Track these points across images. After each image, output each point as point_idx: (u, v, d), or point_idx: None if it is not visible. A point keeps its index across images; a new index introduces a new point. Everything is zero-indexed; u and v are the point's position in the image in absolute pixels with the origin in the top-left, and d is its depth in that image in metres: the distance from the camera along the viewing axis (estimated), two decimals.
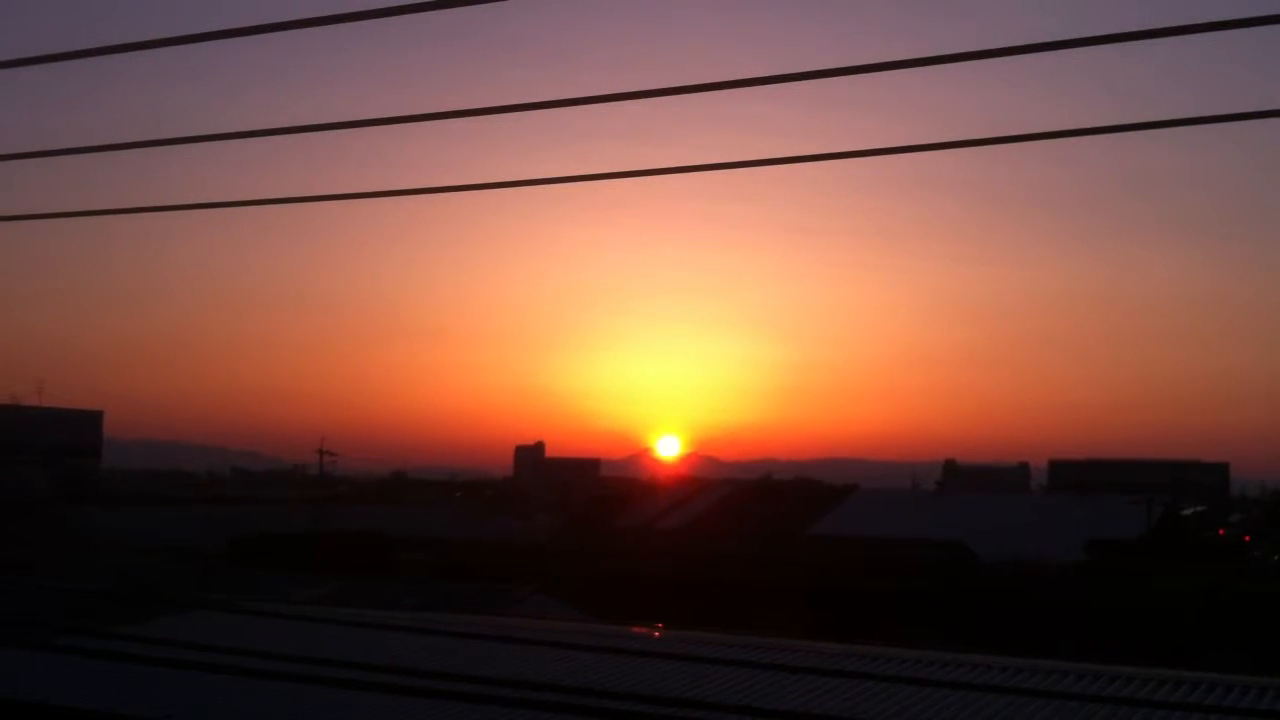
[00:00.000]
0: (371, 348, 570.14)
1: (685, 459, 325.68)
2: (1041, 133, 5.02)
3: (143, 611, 19.74)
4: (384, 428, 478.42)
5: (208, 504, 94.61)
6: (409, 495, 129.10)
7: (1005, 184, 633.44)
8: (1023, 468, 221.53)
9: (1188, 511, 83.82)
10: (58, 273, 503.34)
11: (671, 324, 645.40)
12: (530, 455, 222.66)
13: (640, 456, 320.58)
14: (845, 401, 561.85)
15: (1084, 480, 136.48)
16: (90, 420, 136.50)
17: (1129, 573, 42.41)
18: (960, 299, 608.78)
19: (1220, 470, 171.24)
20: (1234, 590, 38.47)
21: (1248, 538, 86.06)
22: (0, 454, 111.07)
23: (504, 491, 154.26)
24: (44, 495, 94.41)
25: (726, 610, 36.29)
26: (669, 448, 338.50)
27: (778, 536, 60.00)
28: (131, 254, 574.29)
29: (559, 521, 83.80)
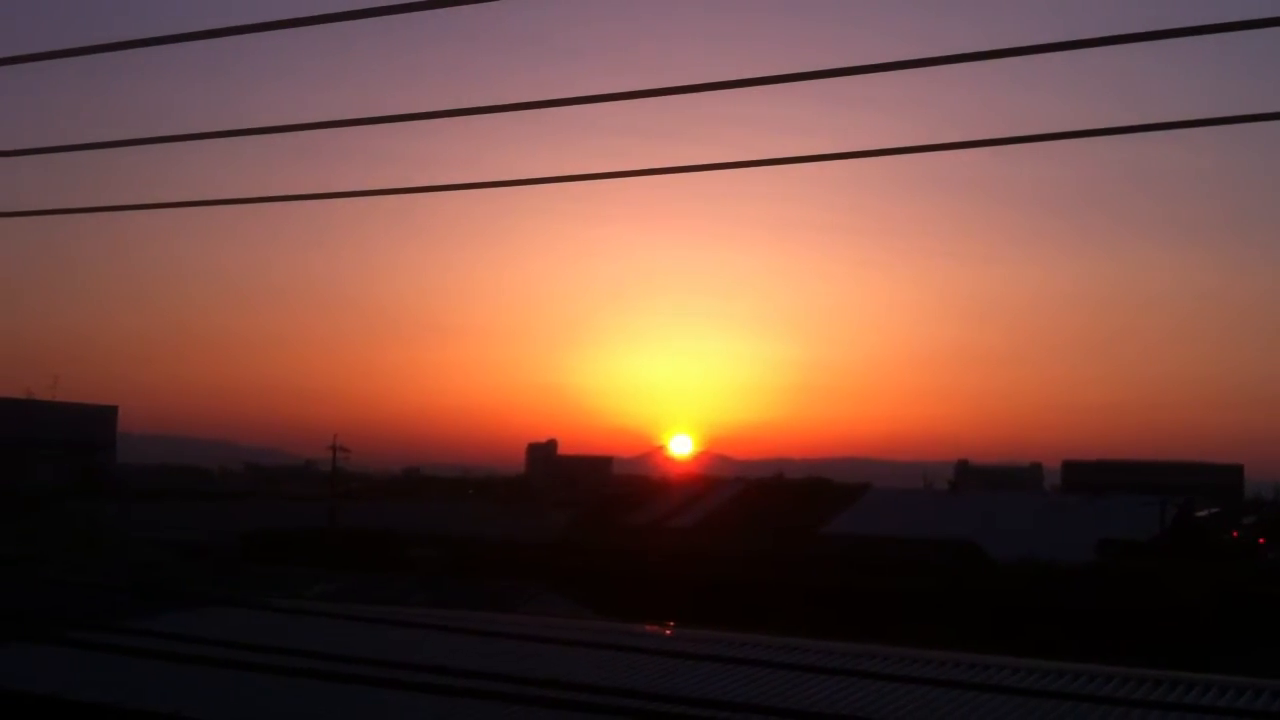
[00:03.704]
0: (385, 345, 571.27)
1: (697, 457, 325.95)
2: (1053, 133, 5.01)
3: (155, 606, 19.80)
4: (397, 425, 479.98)
5: (221, 499, 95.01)
6: (421, 492, 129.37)
7: (1017, 183, 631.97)
8: (1036, 468, 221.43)
9: (1202, 513, 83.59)
10: (72, 268, 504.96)
11: (685, 322, 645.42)
12: (542, 453, 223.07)
13: (652, 454, 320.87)
14: (858, 401, 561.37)
15: (1097, 481, 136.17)
16: (104, 415, 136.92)
17: (1141, 573, 42.32)
18: (973, 299, 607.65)
19: (1234, 472, 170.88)
20: (1247, 592, 38.36)
21: (1262, 540, 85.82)
22: (15, 448, 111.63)
23: (516, 489, 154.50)
24: (58, 490, 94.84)
25: (738, 609, 36.27)
26: (681, 446, 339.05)
27: (790, 535, 60.04)
28: (146, 250, 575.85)
29: (570, 519, 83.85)
